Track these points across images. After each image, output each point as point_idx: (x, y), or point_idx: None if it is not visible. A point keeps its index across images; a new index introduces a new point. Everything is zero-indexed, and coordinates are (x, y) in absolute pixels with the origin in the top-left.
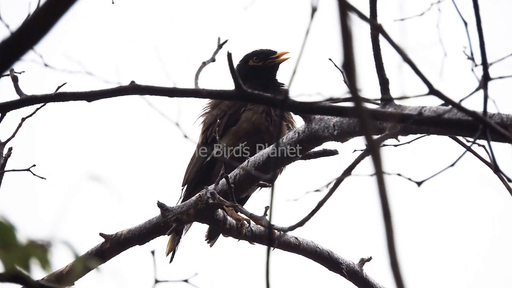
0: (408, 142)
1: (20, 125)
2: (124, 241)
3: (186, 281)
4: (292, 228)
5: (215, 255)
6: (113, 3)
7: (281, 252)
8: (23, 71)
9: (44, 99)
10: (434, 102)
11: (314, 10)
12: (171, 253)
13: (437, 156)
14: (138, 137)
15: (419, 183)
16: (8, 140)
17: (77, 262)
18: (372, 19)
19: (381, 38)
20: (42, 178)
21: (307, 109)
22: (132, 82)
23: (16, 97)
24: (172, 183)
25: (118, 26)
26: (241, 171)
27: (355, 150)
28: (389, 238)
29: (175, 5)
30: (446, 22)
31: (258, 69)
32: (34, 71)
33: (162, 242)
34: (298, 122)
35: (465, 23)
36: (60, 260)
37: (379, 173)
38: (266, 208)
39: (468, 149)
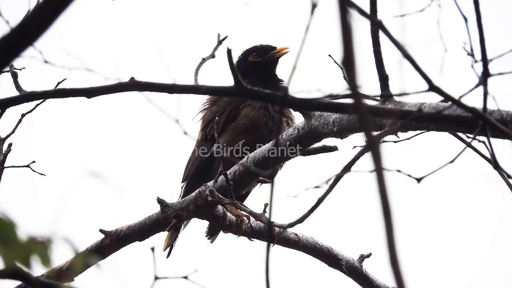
0: (408, 139)
1: (20, 121)
2: (124, 237)
3: (185, 277)
4: (292, 224)
5: (215, 252)
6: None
7: (280, 248)
8: (24, 67)
9: (44, 95)
10: (434, 99)
11: (314, 6)
12: (169, 248)
13: (437, 152)
14: (137, 133)
15: (418, 180)
16: (8, 136)
17: (77, 258)
18: (372, 15)
19: (381, 34)
20: (41, 174)
21: (307, 106)
22: (132, 78)
23: (16, 93)
24: (172, 179)
25: (118, 23)
26: (240, 168)
27: (354, 147)
28: (389, 234)
29: (175, 1)
30: (446, 18)
31: (258, 64)
32: (34, 67)
33: (162, 238)
34: (297, 117)
35: (465, 19)
36: (60, 256)
37: (378, 170)
38: (266, 204)
39: (468, 145)
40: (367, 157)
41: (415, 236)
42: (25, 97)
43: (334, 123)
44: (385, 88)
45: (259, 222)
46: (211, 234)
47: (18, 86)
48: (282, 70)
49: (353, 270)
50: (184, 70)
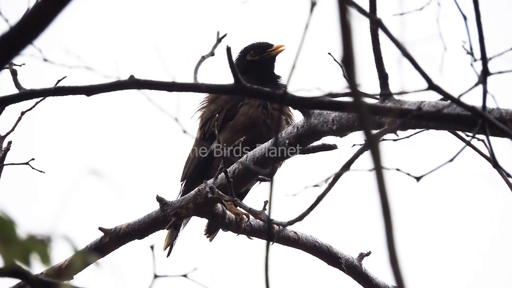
0: (407, 137)
1: (19, 119)
2: (123, 235)
3: (185, 276)
4: (291, 222)
5: (214, 250)
6: None
7: (280, 247)
8: (23, 64)
9: (44, 93)
10: (433, 97)
11: (313, 4)
12: (169, 247)
13: (436, 151)
14: (137, 131)
15: (418, 178)
16: (8, 133)
17: (76, 257)
18: (371, 14)
19: (380, 32)
20: (41, 172)
21: (306, 104)
22: (131, 76)
23: (15, 91)
24: (171, 177)
25: (117, 21)
26: (240, 166)
27: (354, 145)
28: (388, 233)
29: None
30: (446, 16)
31: (256, 63)
32: (34, 65)
33: (161, 236)
34: (296, 115)
35: (465, 18)
36: (60, 254)
37: (378, 168)
38: (265, 202)
39: (468, 143)
40: (367, 155)
41: (414, 235)
42: (24, 95)
43: (334, 122)
44: (384, 86)
45: (258, 220)
46: (210, 232)
47: (17, 84)
48: (281, 68)
49: (353, 269)
50: (183, 68)
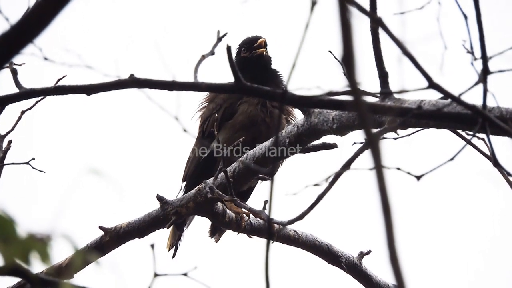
0: (408, 136)
1: (19, 118)
2: (123, 234)
3: (185, 274)
4: (291, 221)
5: (214, 249)
6: None
7: (280, 245)
8: (23, 63)
9: (44, 92)
10: (433, 96)
11: (314, 3)
12: (174, 248)
13: (436, 149)
14: (137, 130)
15: (418, 177)
16: (8, 133)
17: (76, 255)
18: (372, 12)
19: (380, 31)
20: (41, 171)
21: (306, 103)
22: (131, 75)
23: (15, 90)
24: (172, 176)
25: (118, 20)
26: (240, 165)
27: (354, 144)
28: (389, 232)
29: None
30: (446, 15)
31: (248, 60)
32: (34, 64)
33: (161, 235)
34: (297, 111)
35: (465, 17)
36: (60, 253)
37: (378, 167)
38: (266, 201)
39: (468, 142)
40: (367, 154)
41: (414, 234)
42: (25, 94)
43: (334, 120)
44: (384, 85)
45: (258, 219)
46: (214, 233)
47: (17, 83)
48: (281, 67)
49: (353, 267)
50: (183, 67)
